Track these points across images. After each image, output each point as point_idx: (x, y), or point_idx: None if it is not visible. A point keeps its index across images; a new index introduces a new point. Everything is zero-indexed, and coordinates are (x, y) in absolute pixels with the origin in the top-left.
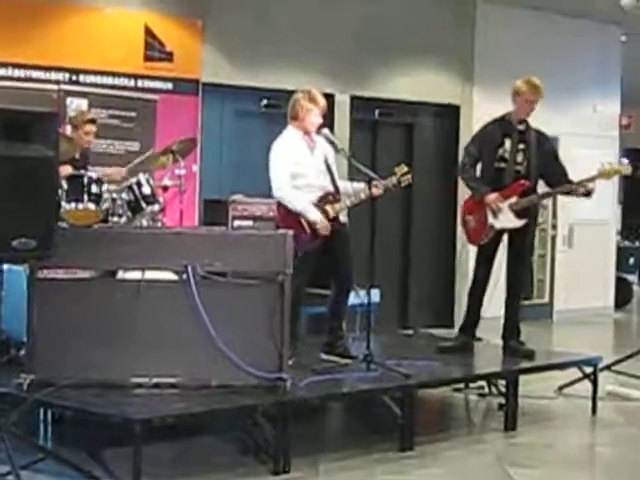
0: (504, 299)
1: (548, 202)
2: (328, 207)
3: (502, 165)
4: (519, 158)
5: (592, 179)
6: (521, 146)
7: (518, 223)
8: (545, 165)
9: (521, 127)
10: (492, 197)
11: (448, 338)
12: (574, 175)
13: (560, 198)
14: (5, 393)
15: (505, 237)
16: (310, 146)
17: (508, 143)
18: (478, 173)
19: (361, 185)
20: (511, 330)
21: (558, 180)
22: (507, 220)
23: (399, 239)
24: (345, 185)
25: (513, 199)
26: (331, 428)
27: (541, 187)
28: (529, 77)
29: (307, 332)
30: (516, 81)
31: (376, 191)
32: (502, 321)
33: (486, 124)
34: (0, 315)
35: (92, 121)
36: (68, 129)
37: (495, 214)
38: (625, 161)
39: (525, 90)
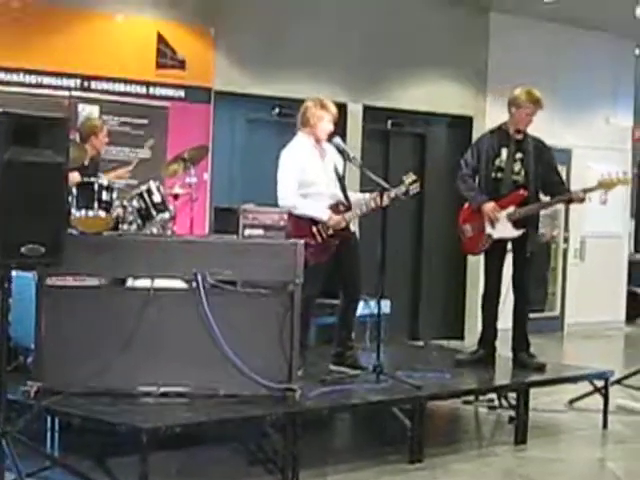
0: (512, 311)
1: (560, 215)
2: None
3: (499, 175)
4: (516, 168)
5: (592, 189)
6: (518, 155)
7: (515, 233)
8: (544, 174)
9: (518, 136)
10: (489, 206)
11: (462, 351)
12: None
13: (572, 210)
14: (12, 400)
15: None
16: (321, 154)
17: (505, 153)
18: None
19: (368, 195)
20: (520, 342)
21: (557, 190)
22: (505, 230)
23: (410, 250)
24: (354, 195)
25: (511, 209)
26: (340, 439)
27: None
28: (529, 88)
29: (317, 342)
30: (514, 91)
31: (383, 201)
32: (511, 333)
33: (482, 135)
34: (8, 322)
35: (104, 123)
36: (77, 137)
37: (493, 224)
38: (628, 172)
39: (525, 103)
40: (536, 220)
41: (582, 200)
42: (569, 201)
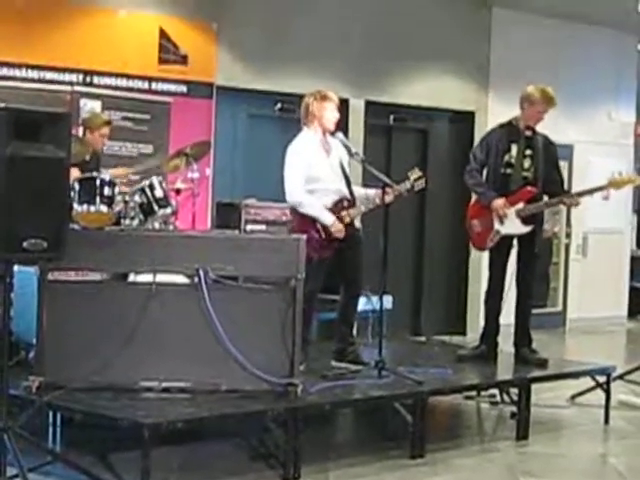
0: (514, 306)
1: (562, 211)
2: (343, 212)
3: (508, 171)
4: (526, 164)
5: (602, 188)
6: (528, 152)
7: (524, 229)
8: (547, 172)
9: (528, 133)
10: (499, 203)
11: (464, 346)
12: (587, 183)
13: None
14: (14, 395)
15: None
16: (326, 148)
17: (514, 149)
18: (484, 178)
19: (374, 191)
20: (522, 337)
21: (555, 189)
22: (513, 226)
23: (412, 245)
24: (359, 190)
25: (520, 205)
26: (342, 434)
27: None
28: (543, 86)
29: (318, 338)
30: (527, 87)
31: (388, 197)
32: (513, 328)
33: (492, 129)
34: (10, 317)
35: (108, 123)
36: (80, 131)
37: (501, 220)
38: (634, 171)
39: (539, 100)
40: (541, 216)
41: (576, 204)
42: (562, 203)
